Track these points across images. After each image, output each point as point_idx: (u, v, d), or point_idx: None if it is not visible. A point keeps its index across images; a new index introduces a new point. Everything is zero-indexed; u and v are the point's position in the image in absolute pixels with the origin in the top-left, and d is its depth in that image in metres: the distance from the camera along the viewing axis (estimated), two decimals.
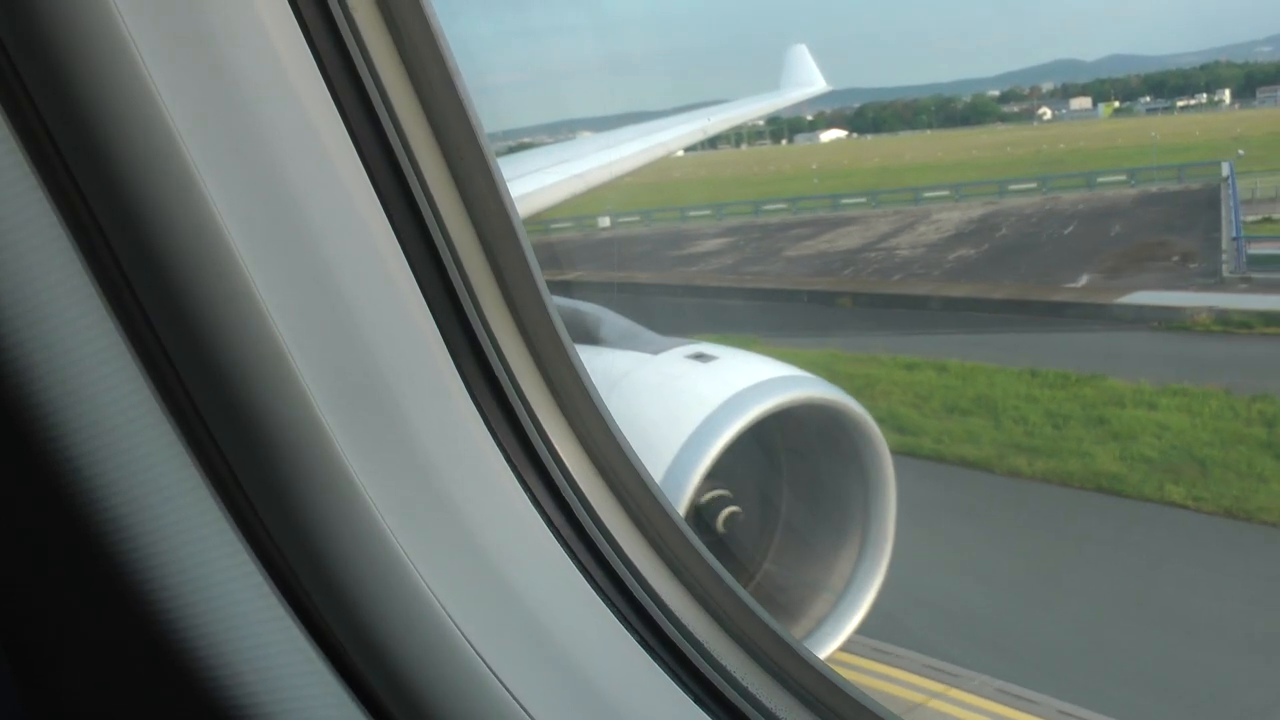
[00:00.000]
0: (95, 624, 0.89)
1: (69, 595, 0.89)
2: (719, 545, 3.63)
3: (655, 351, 4.13)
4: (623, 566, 1.00)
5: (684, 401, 3.77)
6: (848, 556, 3.65)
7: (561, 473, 0.99)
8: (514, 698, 0.89)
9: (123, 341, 0.79)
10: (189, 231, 0.77)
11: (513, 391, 1.00)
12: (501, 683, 0.89)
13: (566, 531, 0.97)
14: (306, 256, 0.82)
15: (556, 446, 1.01)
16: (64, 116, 0.77)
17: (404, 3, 0.91)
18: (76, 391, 0.78)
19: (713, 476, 3.63)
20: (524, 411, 1.01)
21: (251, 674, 0.87)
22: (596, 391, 1.05)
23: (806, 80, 16.37)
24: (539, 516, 0.96)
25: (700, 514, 3.72)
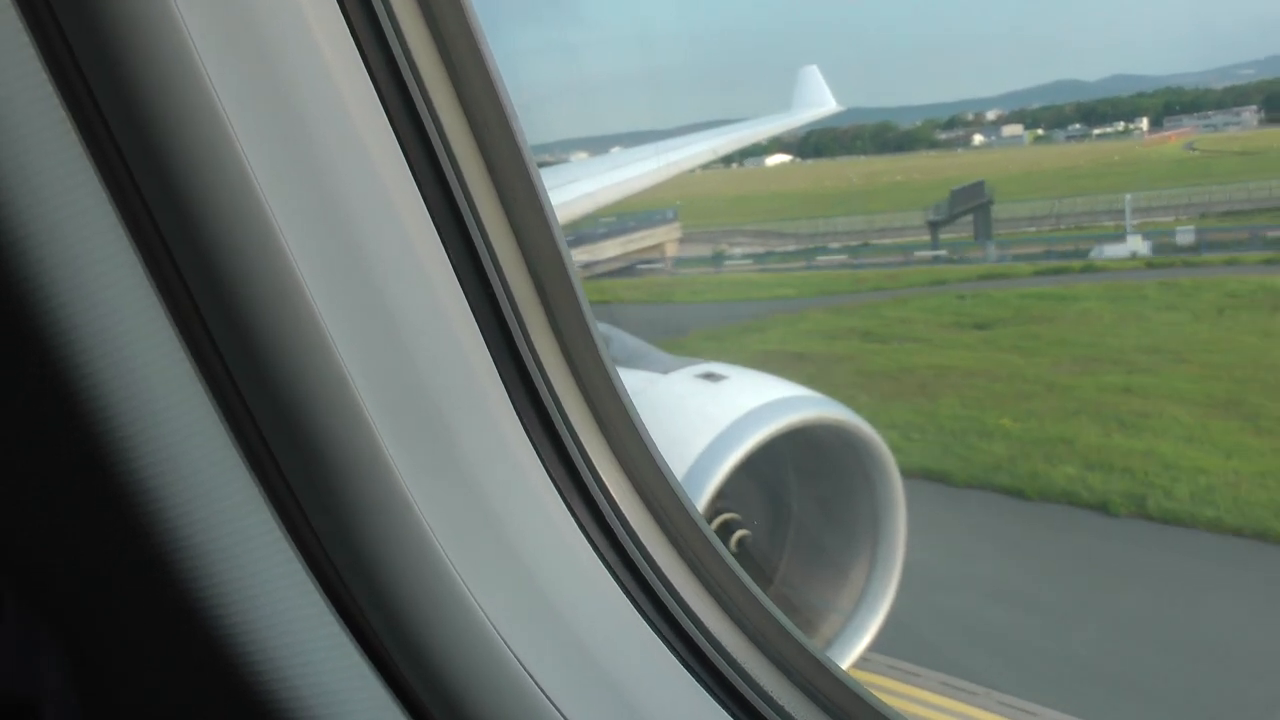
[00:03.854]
0: (157, 639, 0.92)
1: (133, 611, 0.92)
2: None
3: (665, 371, 4.16)
4: (663, 588, 1.03)
5: (694, 421, 3.80)
6: (857, 576, 3.67)
7: (605, 497, 1.02)
8: (560, 713, 0.92)
9: (192, 369, 0.82)
10: (259, 264, 0.80)
11: (559, 419, 1.03)
12: (549, 698, 0.92)
13: (610, 555, 1.00)
14: (369, 287, 0.85)
15: (600, 472, 1.04)
16: (130, 125, 0.79)
17: (456, 31, 0.94)
18: (146, 418, 0.81)
19: (722, 496, 3.65)
20: (570, 438, 1.04)
21: (305, 686, 0.89)
22: (640, 418, 1.08)
23: (818, 101, 16.48)
24: (584, 539, 0.99)
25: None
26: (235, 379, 0.84)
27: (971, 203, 52.90)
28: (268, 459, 0.86)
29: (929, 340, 27.77)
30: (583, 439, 1.07)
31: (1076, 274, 38.66)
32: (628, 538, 1.05)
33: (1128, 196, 53.58)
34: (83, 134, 0.80)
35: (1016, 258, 43.87)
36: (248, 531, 0.87)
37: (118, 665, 0.96)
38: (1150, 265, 39.40)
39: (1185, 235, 44.04)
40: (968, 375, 22.61)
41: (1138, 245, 43.80)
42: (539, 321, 1.03)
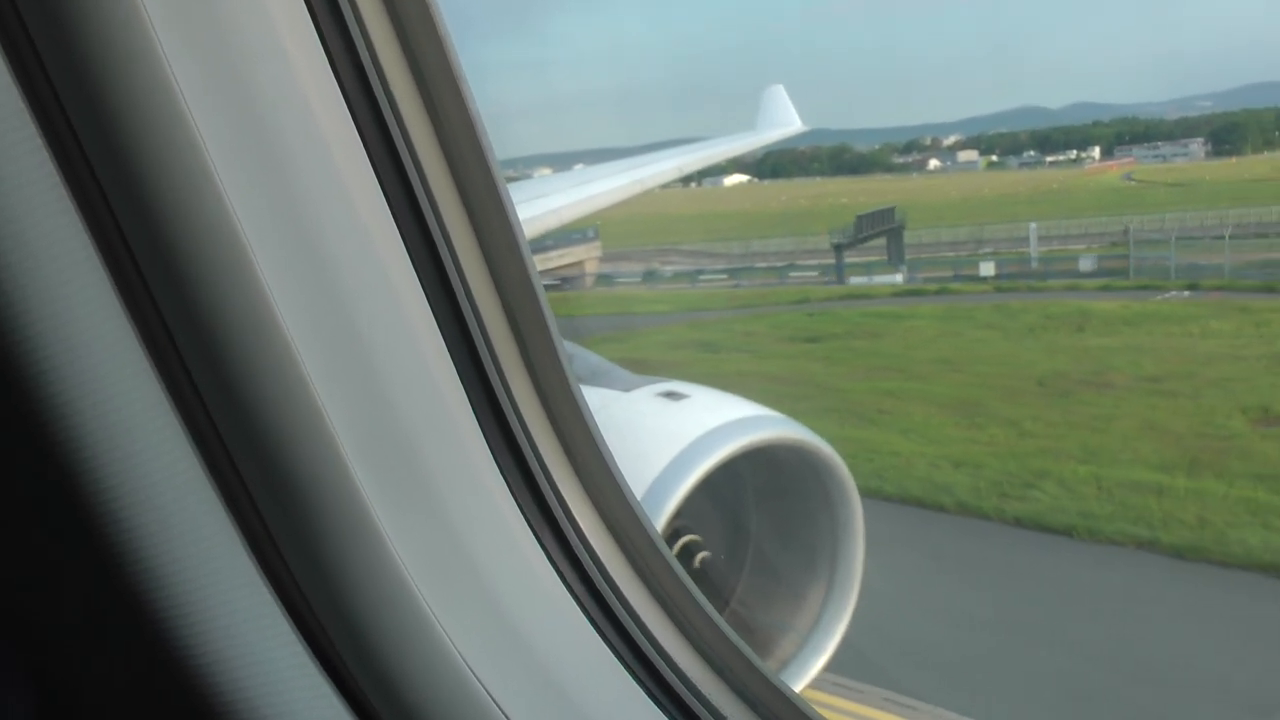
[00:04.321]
0: (127, 671, 0.90)
1: (103, 643, 0.90)
2: None
3: (626, 389, 4.16)
4: (629, 619, 1.03)
5: (654, 440, 3.80)
6: (815, 597, 3.69)
7: (572, 526, 1.03)
8: None
9: (166, 399, 0.82)
10: (232, 292, 0.80)
11: (528, 446, 1.04)
12: None
13: (577, 585, 1.01)
14: (341, 315, 0.85)
15: (567, 499, 1.05)
16: (91, 121, 0.78)
17: (429, 52, 0.95)
18: (118, 450, 0.80)
19: (682, 515, 3.66)
20: (538, 465, 1.04)
21: (274, 717, 0.88)
22: (606, 445, 1.09)
23: (783, 120, 16.62)
24: (551, 568, 0.99)
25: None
26: (209, 409, 0.84)
27: (878, 228, 57.41)
28: (240, 490, 0.86)
29: (757, 351, 31.49)
30: (550, 466, 1.07)
31: (932, 295, 42.70)
32: (594, 566, 1.05)
33: (1032, 225, 58.85)
34: (40, 123, 0.78)
35: (927, 279, 48.67)
36: (219, 562, 0.86)
37: (87, 698, 0.94)
38: (998, 289, 44.38)
39: (1087, 262, 49.03)
40: (768, 379, 25.27)
41: (989, 269, 49.69)
42: (508, 347, 1.04)
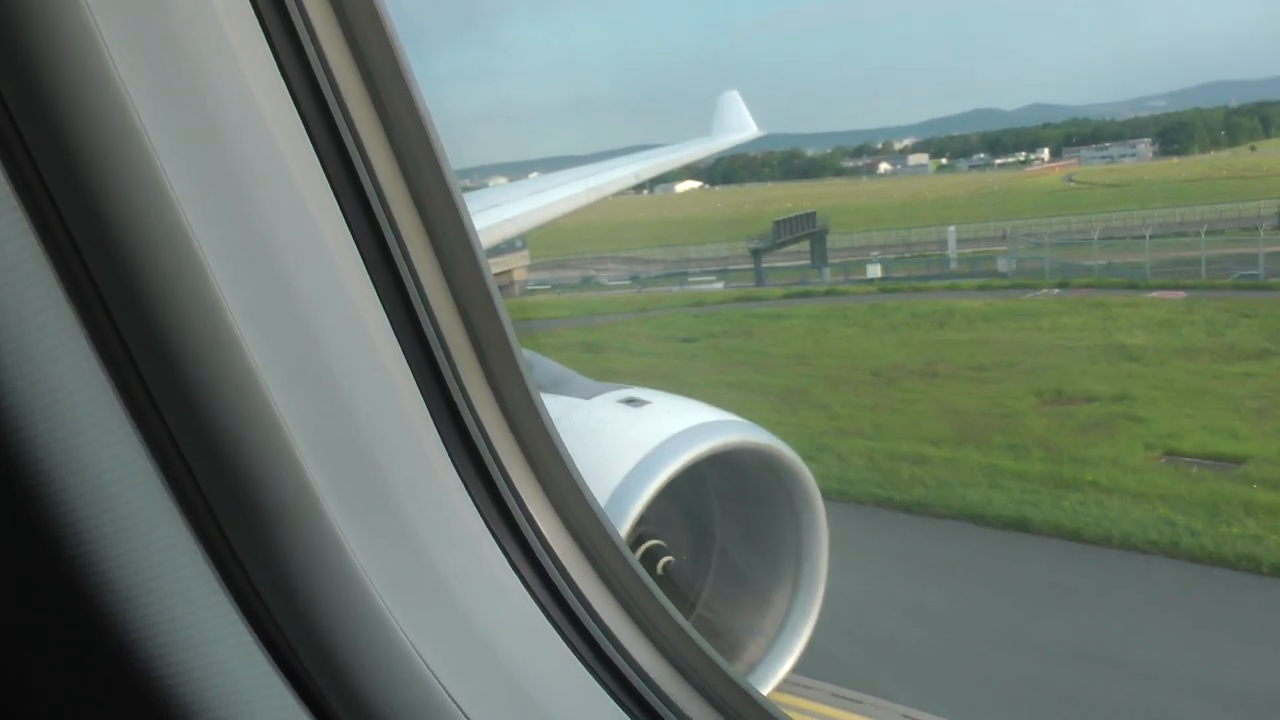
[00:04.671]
0: (89, 685, 0.88)
1: (63, 656, 0.89)
2: None
3: (587, 396, 4.16)
4: (595, 626, 1.03)
5: (617, 446, 3.80)
6: (780, 600, 3.70)
7: (535, 534, 1.02)
8: None
9: (125, 415, 0.80)
10: (191, 307, 0.78)
11: (489, 455, 1.03)
12: None
13: (541, 592, 1.00)
14: (300, 329, 0.84)
15: (530, 508, 1.04)
16: (41, 132, 0.77)
17: (383, 66, 0.94)
18: (77, 462, 0.79)
19: (646, 521, 3.66)
20: (500, 474, 1.04)
21: None
22: (568, 452, 1.09)
23: (739, 125, 16.71)
24: (516, 577, 0.99)
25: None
26: (169, 424, 0.83)
27: (796, 233, 60.96)
28: (200, 503, 0.85)
29: (634, 350, 33.39)
30: (511, 473, 1.07)
31: (820, 296, 44.85)
32: (557, 572, 1.05)
33: (950, 229, 62.92)
34: (3, 163, 0.77)
35: (850, 281, 51.29)
36: (180, 574, 0.85)
37: (47, 713, 0.92)
38: (882, 289, 46.76)
39: (1004, 263, 52.68)
40: (629, 374, 27.54)
41: (876, 271, 53.73)
42: (467, 356, 1.03)
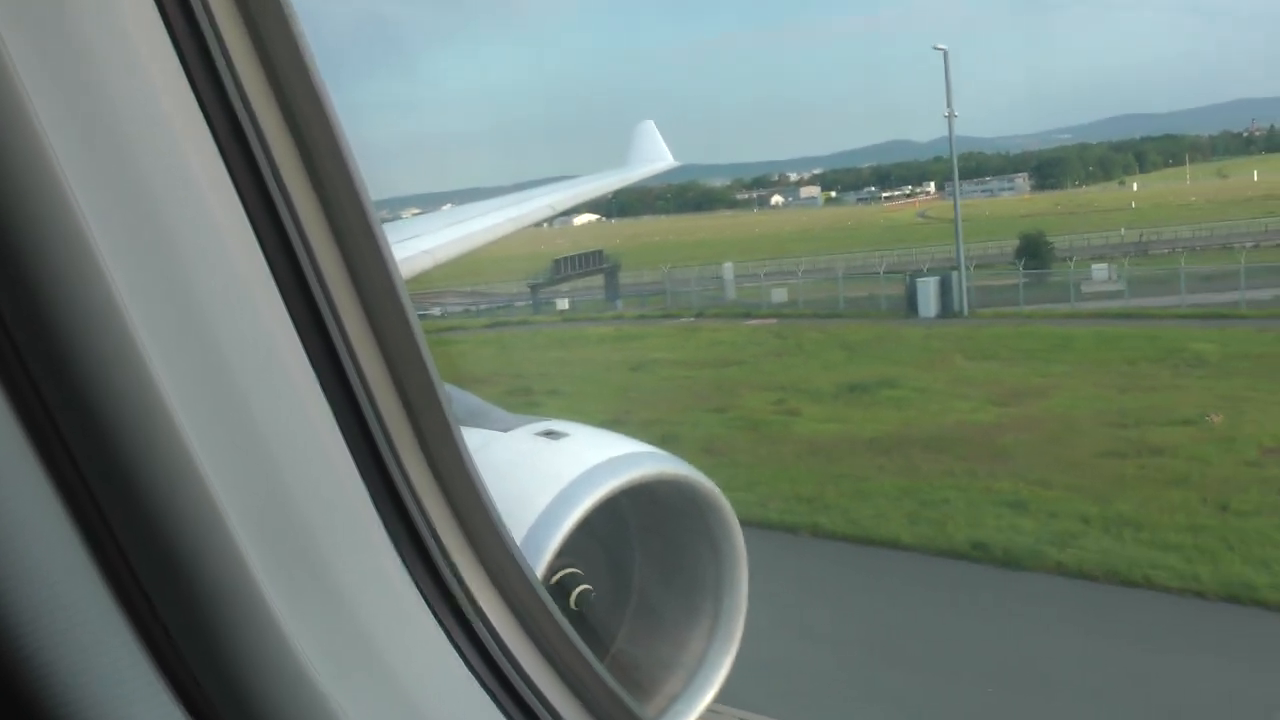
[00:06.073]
0: None
1: None
2: (571, 623, 3.60)
3: (505, 429, 4.11)
4: (531, 695, 1.01)
5: (535, 480, 3.75)
6: (700, 633, 3.70)
7: (470, 602, 1.00)
8: None
9: (55, 494, 0.76)
10: (125, 391, 0.75)
11: (408, 494, 1.00)
12: None
13: (477, 662, 0.98)
14: (213, 357, 0.81)
15: (451, 552, 1.01)
16: None
17: (297, 88, 0.91)
18: (4, 543, 0.74)
19: (565, 554, 3.62)
20: (419, 514, 1.01)
21: None
22: (488, 493, 1.06)
23: (655, 156, 16.86)
24: (451, 647, 0.96)
25: (553, 592, 3.69)
26: (99, 503, 0.79)
27: (578, 270, 68.80)
28: (130, 580, 0.80)
29: None
30: (430, 512, 1.04)
31: (513, 325, 56.49)
32: (492, 642, 1.02)
33: (727, 265, 72.71)
34: None
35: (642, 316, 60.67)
36: (107, 645, 0.80)
37: None
38: (565, 319, 58.21)
39: (778, 294, 62.44)
40: None
41: (565, 304, 65.68)
42: (387, 391, 1.00)
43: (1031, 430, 30.49)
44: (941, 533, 22.17)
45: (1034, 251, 71.87)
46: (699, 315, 60.87)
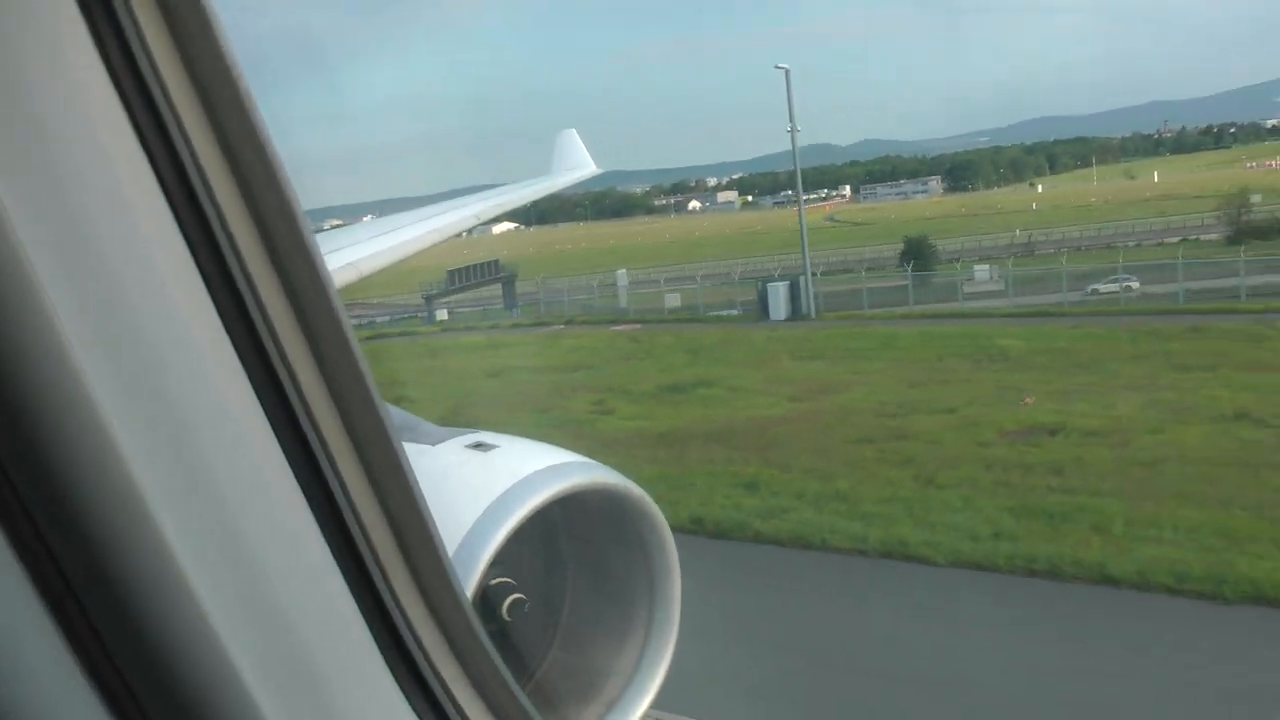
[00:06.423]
0: None
1: None
2: (506, 633, 3.58)
3: (434, 442, 4.07)
4: (453, 710, 1.01)
5: (466, 492, 3.72)
6: (635, 640, 3.71)
7: (403, 618, 1.00)
8: None
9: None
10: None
11: (346, 505, 1.00)
12: None
13: (405, 679, 0.99)
14: (167, 407, 0.80)
15: (399, 593, 1.02)
16: None
17: (226, 100, 0.91)
18: None
19: (498, 564, 3.60)
20: (357, 528, 1.01)
21: None
22: (429, 510, 1.06)
23: (577, 163, 16.90)
24: (382, 663, 0.96)
25: (486, 602, 3.66)
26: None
27: (473, 280, 72.71)
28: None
29: None
30: (369, 528, 1.04)
31: (394, 337, 56.76)
32: (411, 639, 1.02)
33: (620, 272, 78.21)
34: None
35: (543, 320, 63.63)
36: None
37: None
38: (444, 329, 59.32)
39: (671, 299, 63.95)
40: None
41: (443, 314, 67.96)
42: (325, 408, 1.00)
43: (809, 422, 33.06)
44: (670, 510, 24.33)
45: (918, 254, 75.68)
46: (568, 323, 64.39)
